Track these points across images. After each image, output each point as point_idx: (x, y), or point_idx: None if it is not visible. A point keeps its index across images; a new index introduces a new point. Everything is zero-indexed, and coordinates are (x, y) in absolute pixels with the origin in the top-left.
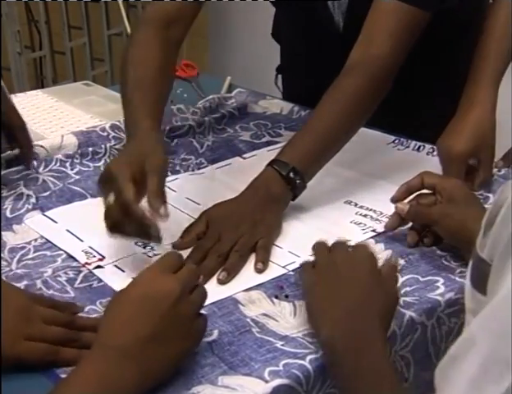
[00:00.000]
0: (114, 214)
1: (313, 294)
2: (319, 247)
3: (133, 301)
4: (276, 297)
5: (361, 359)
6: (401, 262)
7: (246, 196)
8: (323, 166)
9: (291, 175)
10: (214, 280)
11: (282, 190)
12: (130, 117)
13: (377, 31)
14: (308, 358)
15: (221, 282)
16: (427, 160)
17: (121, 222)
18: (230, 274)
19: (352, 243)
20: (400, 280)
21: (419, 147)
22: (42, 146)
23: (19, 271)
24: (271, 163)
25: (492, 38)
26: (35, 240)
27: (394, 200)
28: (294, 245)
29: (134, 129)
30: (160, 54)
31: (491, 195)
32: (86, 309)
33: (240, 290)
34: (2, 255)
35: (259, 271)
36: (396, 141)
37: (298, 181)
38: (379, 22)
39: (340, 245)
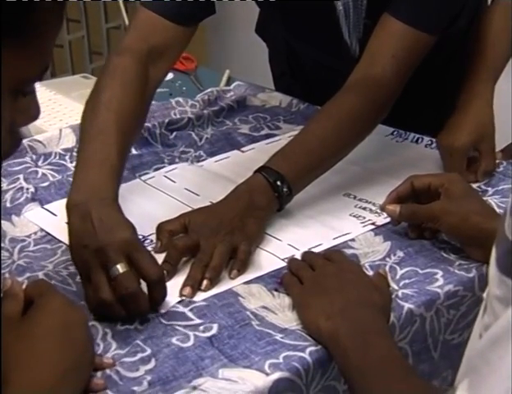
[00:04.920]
0: (107, 293)
1: (307, 299)
2: (299, 265)
3: (43, 334)
4: (276, 290)
5: (367, 348)
6: (400, 254)
7: (228, 202)
8: (312, 181)
9: (278, 183)
10: None
11: (268, 198)
12: (89, 172)
13: (381, 52)
14: (308, 350)
15: (203, 291)
16: (425, 152)
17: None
18: (212, 284)
19: (352, 236)
20: (399, 272)
21: (418, 139)
22: (40, 141)
23: (21, 262)
24: (259, 170)
25: (490, 35)
26: (35, 233)
27: (382, 208)
28: (294, 237)
29: (96, 194)
30: (132, 97)
31: (489, 189)
32: None
33: (239, 282)
34: (2, 245)
35: (232, 278)
36: (395, 133)
37: (285, 190)
38: (383, 43)
39: (320, 260)
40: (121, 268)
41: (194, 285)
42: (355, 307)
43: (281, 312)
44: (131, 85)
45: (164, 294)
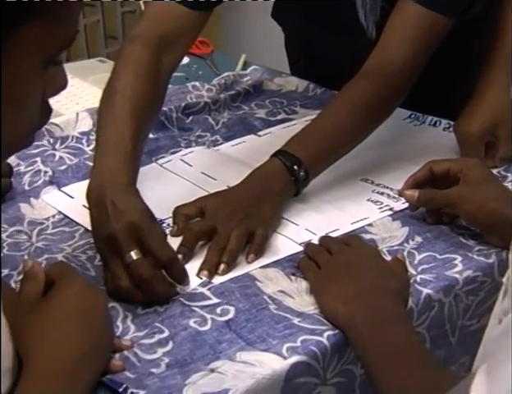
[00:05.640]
0: (124, 279)
1: (324, 284)
2: (316, 249)
3: (63, 317)
4: (293, 274)
5: (384, 334)
6: (418, 239)
7: (245, 186)
8: (329, 166)
9: (295, 167)
10: None
11: (284, 182)
12: (104, 159)
13: (397, 36)
14: (326, 334)
15: (220, 275)
16: (443, 136)
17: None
18: (229, 268)
19: (369, 221)
20: (417, 257)
21: (436, 122)
22: (57, 125)
23: (39, 245)
24: (275, 154)
25: (507, 21)
26: (53, 216)
27: (400, 193)
28: (311, 222)
29: (110, 180)
30: (147, 84)
31: (509, 175)
32: None
33: (256, 267)
34: (21, 228)
35: (249, 262)
36: (412, 116)
37: (302, 174)
38: (400, 27)
39: (337, 244)
40: (134, 254)
41: (210, 268)
42: (372, 292)
43: (298, 296)
44: (144, 72)
45: (181, 273)
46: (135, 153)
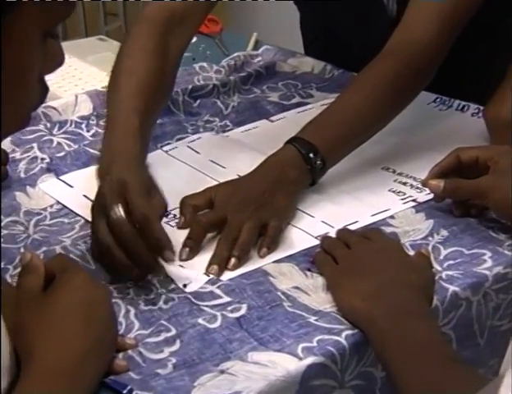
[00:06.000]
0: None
1: (341, 280)
2: (333, 243)
3: (65, 313)
4: (309, 270)
5: (405, 331)
6: (444, 233)
7: (257, 175)
8: (347, 154)
9: (311, 155)
10: None
11: (300, 172)
12: (111, 137)
13: (422, 12)
14: (344, 334)
15: (230, 270)
16: (471, 122)
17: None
18: (240, 262)
19: (391, 213)
20: (443, 252)
21: (463, 107)
22: (54, 108)
23: (37, 236)
24: (290, 141)
25: None
26: (51, 206)
27: (425, 183)
28: (328, 214)
29: (117, 157)
30: (155, 63)
31: None
32: (109, 279)
33: (269, 261)
34: (17, 218)
35: (261, 257)
36: (438, 100)
37: (318, 162)
38: (423, 2)
39: (356, 238)
40: (117, 211)
41: (220, 263)
42: (393, 288)
43: (314, 293)
44: (152, 52)
45: (157, 237)
46: (143, 129)
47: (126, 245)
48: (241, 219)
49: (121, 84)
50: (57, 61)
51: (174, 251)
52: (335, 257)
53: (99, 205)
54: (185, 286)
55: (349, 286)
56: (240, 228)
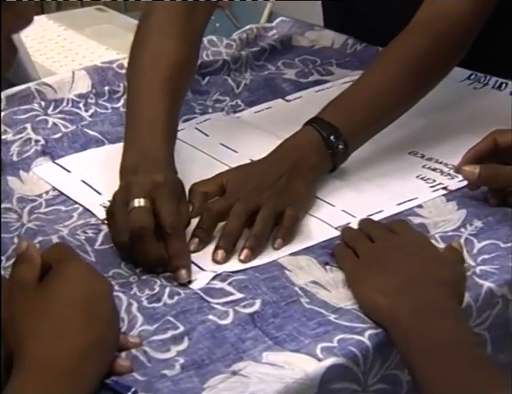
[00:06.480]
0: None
1: (362, 275)
2: (355, 235)
3: (63, 306)
4: (327, 264)
5: (431, 331)
6: (478, 224)
7: (272, 160)
8: (371, 137)
9: (332, 138)
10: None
11: (319, 156)
12: (138, 137)
13: None
14: (367, 333)
15: (243, 262)
16: (510, 101)
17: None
18: (254, 254)
19: (419, 201)
20: (477, 246)
21: (501, 84)
22: (49, 85)
23: (31, 225)
24: (309, 122)
25: None
26: (46, 192)
27: (457, 169)
28: (349, 203)
29: (146, 159)
30: (179, 49)
31: None
32: (110, 272)
33: (285, 254)
34: (10, 205)
35: (276, 249)
36: (472, 77)
37: (340, 146)
38: None
39: (380, 230)
40: (137, 202)
41: (227, 247)
42: (419, 283)
43: (334, 288)
44: (174, 36)
45: (180, 250)
46: (170, 127)
47: (136, 238)
48: (256, 203)
49: (146, 75)
50: (25, 18)
51: (190, 271)
52: (356, 250)
53: (122, 197)
54: (189, 282)
55: (371, 281)
56: (255, 209)
